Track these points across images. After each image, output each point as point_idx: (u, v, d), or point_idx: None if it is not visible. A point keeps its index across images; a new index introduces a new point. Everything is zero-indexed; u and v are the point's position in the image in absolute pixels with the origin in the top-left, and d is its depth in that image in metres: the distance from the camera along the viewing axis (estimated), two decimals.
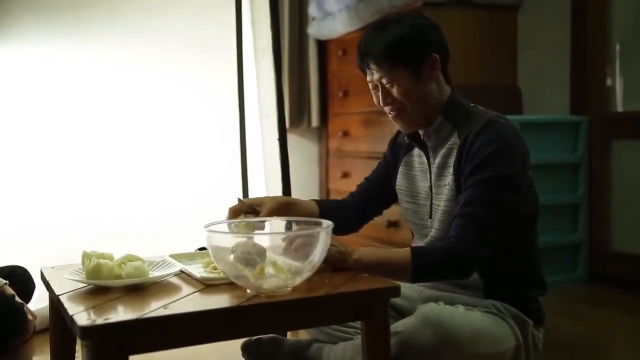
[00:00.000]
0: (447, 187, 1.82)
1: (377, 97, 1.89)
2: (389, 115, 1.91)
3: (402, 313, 1.87)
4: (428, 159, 1.91)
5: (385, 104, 1.88)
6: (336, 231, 2.06)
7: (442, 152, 1.85)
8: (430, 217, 1.89)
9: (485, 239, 1.70)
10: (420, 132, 1.91)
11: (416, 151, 1.97)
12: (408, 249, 1.73)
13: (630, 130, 3.25)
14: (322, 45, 4.39)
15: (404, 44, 1.81)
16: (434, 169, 1.88)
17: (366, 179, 2.13)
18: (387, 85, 1.85)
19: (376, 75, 1.85)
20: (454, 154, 1.80)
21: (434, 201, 1.88)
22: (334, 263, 1.70)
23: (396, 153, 2.06)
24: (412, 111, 1.85)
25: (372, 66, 1.85)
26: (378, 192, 2.07)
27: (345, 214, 2.07)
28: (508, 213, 1.73)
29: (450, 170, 1.81)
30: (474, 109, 1.87)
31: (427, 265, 1.69)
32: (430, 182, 1.90)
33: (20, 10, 3.43)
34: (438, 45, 1.86)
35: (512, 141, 1.76)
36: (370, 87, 1.91)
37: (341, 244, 1.75)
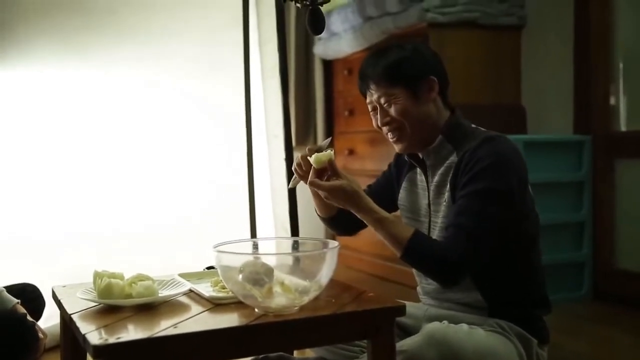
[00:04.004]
0: (444, 204, 1.85)
1: (376, 119, 1.94)
2: (389, 139, 1.95)
3: (407, 331, 1.89)
4: (427, 177, 1.95)
5: (384, 124, 1.92)
6: (337, 231, 2.08)
7: (441, 170, 1.89)
8: (429, 234, 1.92)
9: (476, 251, 1.73)
10: (420, 152, 1.95)
11: (418, 169, 2.00)
12: (413, 228, 1.79)
13: (634, 150, 3.27)
14: (328, 65, 4.44)
15: (403, 65, 1.87)
16: (432, 187, 1.92)
17: (369, 186, 2.16)
18: (385, 105, 1.90)
19: (375, 96, 1.91)
20: (452, 172, 1.84)
21: (432, 218, 1.92)
22: (339, 197, 1.76)
23: (400, 168, 2.09)
24: (410, 131, 1.89)
25: (372, 87, 1.91)
26: (378, 201, 2.10)
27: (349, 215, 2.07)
28: (498, 227, 1.75)
29: (448, 187, 1.85)
30: (475, 129, 1.91)
31: (418, 254, 1.73)
32: (429, 199, 1.93)
33: (29, 32, 3.48)
34: (437, 70, 1.92)
35: (508, 157, 1.80)
36: (370, 109, 1.96)
37: (355, 183, 1.79)
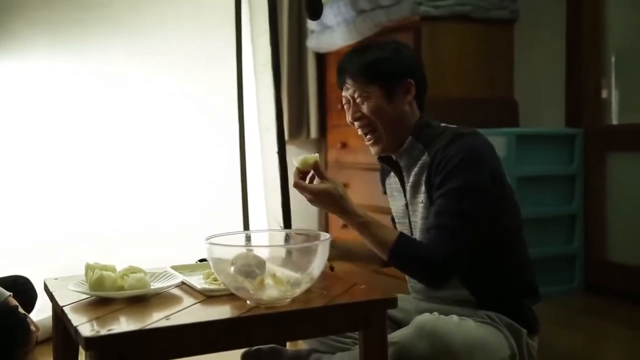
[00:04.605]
0: (422, 204, 1.87)
1: (349, 113, 1.95)
2: (366, 142, 1.96)
3: (399, 324, 1.90)
4: (402, 178, 1.97)
5: (355, 119, 1.93)
6: None
7: (415, 170, 1.90)
8: (412, 234, 1.93)
9: (460, 249, 1.74)
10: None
11: (392, 172, 2.02)
12: (397, 231, 1.80)
13: (626, 143, 3.28)
14: (321, 58, 4.43)
15: (381, 64, 1.89)
16: (408, 188, 1.93)
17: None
18: (359, 100, 1.91)
19: (350, 90, 1.92)
20: (425, 172, 1.85)
21: (411, 219, 1.94)
22: (324, 201, 1.77)
23: (384, 177, 2.12)
24: (383, 132, 1.90)
25: (348, 81, 1.92)
26: None
27: None
28: (476, 222, 1.76)
29: (423, 187, 1.86)
30: (445, 127, 1.91)
31: (403, 257, 1.74)
32: (406, 200, 1.95)
33: (26, 26, 3.47)
34: (415, 73, 1.93)
35: (479, 152, 1.81)
36: (344, 102, 1.97)
37: (341, 187, 1.80)
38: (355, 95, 1.91)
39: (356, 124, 1.94)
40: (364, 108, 1.90)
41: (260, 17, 3.98)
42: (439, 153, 1.81)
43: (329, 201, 1.79)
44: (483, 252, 1.81)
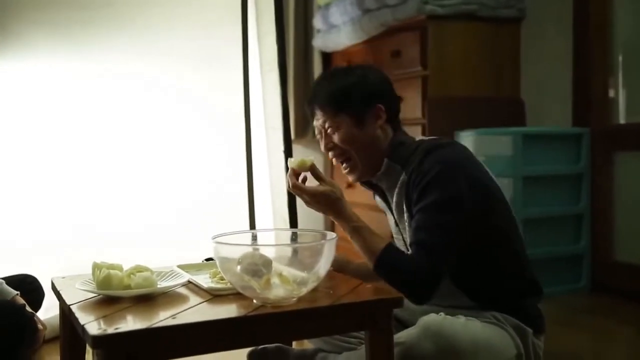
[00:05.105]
0: (407, 222, 1.87)
1: (322, 143, 1.95)
2: (342, 170, 1.96)
3: (404, 324, 1.90)
4: (386, 199, 1.98)
5: (327, 149, 1.94)
6: None
7: (396, 191, 1.90)
8: (407, 250, 1.93)
9: (439, 263, 1.73)
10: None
11: (377, 194, 2.03)
12: (387, 241, 1.79)
13: (633, 142, 3.27)
14: (327, 57, 4.44)
15: (347, 92, 1.88)
16: (394, 207, 1.94)
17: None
18: (329, 131, 1.90)
19: (320, 120, 1.92)
20: (404, 191, 1.85)
21: (403, 235, 1.95)
22: (321, 203, 1.78)
23: (374, 194, 2.11)
24: (358, 159, 1.91)
25: (317, 112, 1.92)
26: None
27: None
28: (456, 234, 1.75)
29: (405, 207, 1.86)
30: (419, 143, 1.91)
31: (386, 267, 1.73)
32: (395, 219, 1.96)
33: (27, 27, 3.47)
34: (385, 96, 1.92)
35: (453, 162, 1.80)
36: (316, 133, 1.96)
37: (338, 190, 1.80)
38: (326, 126, 1.91)
39: (330, 153, 1.95)
40: (335, 138, 1.90)
41: (266, 17, 3.98)
42: (415, 170, 1.81)
43: (326, 203, 1.79)
44: (476, 256, 1.81)
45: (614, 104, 3.44)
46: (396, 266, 1.74)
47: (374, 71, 1.97)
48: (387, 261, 1.74)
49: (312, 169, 1.81)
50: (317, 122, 1.93)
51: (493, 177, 1.90)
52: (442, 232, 1.74)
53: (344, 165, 1.94)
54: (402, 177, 1.87)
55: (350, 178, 1.97)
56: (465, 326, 1.72)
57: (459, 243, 1.76)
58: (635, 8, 3.40)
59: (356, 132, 1.88)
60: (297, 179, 1.83)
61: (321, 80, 1.97)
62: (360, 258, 1.89)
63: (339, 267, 1.92)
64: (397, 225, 1.97)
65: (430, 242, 1.73)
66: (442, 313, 1.75)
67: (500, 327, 1.79)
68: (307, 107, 1.97)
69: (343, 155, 1.92)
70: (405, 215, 1.86)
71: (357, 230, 1.80)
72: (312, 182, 1.84)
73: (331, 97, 1.88)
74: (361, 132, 1.88)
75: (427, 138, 1.93)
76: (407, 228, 1.87)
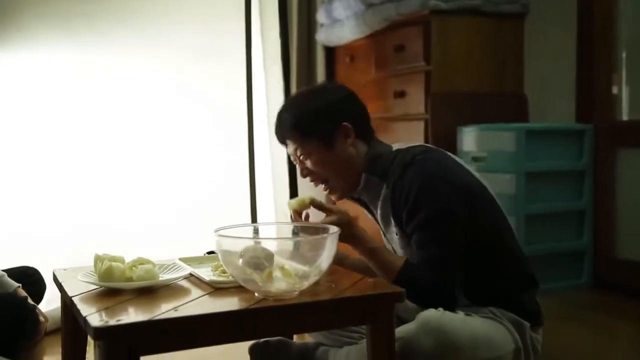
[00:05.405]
0: (397, 235, 1.88)
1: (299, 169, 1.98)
2: (323, 191, 1.98)
3: (402, 320, 1.90)
4: (370, 211, 1.99)
5: (304, 176, 1.96)
6: None
7: (379, 204, 1.91)
8: None
9: (451, 272, 1.76)
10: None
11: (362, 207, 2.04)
12: (402, 258, 1.81)
13: (636, 139, 3.26)
14: (330, 52, 4.42)
15: (311, 117, 1.88)
16: (379, 219, 1.95)
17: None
18: (302, 158, 1.92)
19: (291, 148, 1.93)
20: (390, 205, 1.86)
21: (392, 245, 1.96)
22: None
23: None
24: (335, 180, 1.93)
25: (287, 141, 1.94)
26: None
27: None
28: (455, 241, 1.77)
29: (392, 221, 1.87)
30: (397, 152, 1.91)
31: (405, 285, 1.67)
32: (382, 229, 1.98)
33: (30, 19, 3.47)
34: (349, 112, 1.92)
35: (433, 174, 1.80)
36: (292, 159, 1.98)
37: (346, 214, 1.81)
38: (298, 153, 1.93)
39: (308, 178, 1.97)
40: (308, 164, 1.92)
41: (270, 11, 3.97)
42: (397, 187, 1.82)
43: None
44: (470, 258, 1.81)
45: (618, 101, 3.43)
46: (412, 285, 1.72)
47: (334, 89, 1.98)
48: (404, 280, 1.74)
49: (313, 204, 1.82)
50: (289, 150, 1.95)
51: (476, 174, 1.91)
52: (443, 243, 1.76)
53: (324, 187, 1.96)
54: (384, 190, 1.88)
55: (333, 198, 2.00)
56: (464, 322, 1.73)
57: (464, 249, 1.78)
58: None
59: (327, 155, 1.89)
60: (301, 218, 1.85)
61: (283, 109, 1.96)
62: (356, 254, 1.90)
63: (337, 260, 1.92)
64: (384, 235, 1.99)
65: (436, 256, 1.75)
66: (440, 309, 1.75)
67: (498, 322, 1.80)
68: (277, 137, 1.98)
69: (319, 179, 1.95)
70: (394, 229, 1.88)
71: (372, 251, 1.82)
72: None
73: (296, 125, 1.89)
74: (332, 154, 1.89)
75: (403, 147, 1.93)
76: (395, 240, 1.90)
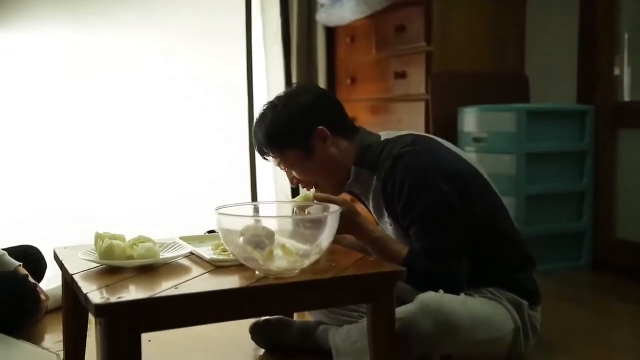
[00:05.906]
0: (391, 227, 1.89)
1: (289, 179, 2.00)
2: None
3: (402, 300, 1.90)
4: (363, 202, 2.00)
5: (294, 184, 1.99)
6: None
7: (371, 196, 1.92)
8: None
9: (449, 264, 1.77)
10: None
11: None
12: (406, 249, 1.81)
13: (637, 120, 3.25)
14: (331, 32, 4.40)
15: (283, 129, 1.88)
16: (372, 210, 1.96)
17: None
18: (286, 169, 1.95)
19: (275, 161, 1.95)
20: (381, 198, 1.86)
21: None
22: (340, 227, 1.77)
23: None
24: (324, 182, 1.94)
25: (269, 155, 1.94)
26: None
27: None
28: (454, 229, 1.78)
29: (386, 212, 1.88)
30: (386, 143, 1.91)
31: (410, 275, 1.66)
32: (376, 220, 1.99)
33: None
34: (322, 114, 1.91)
35: (424, 166, 1.80)
36: (281, 169, 1.99)
37: (348, 204, 1.81)
38: (282, 166, 1.95)
39: (300, 185, 1.99)
40: (295, 173, 1.94)
41: None
42: (389, 179, 1.82)
43: (343, 224, 1.75)
44: (468, 246, 1.82)
45: (619, 82, 3.42)
46: (418, 276, 1.73)
47: (303, 93, 1.96)
48: (409, 270, 1.71)
49: (317, 198, 1.82)
50: (274, 163, 1.96)
51: (466, 157, 1.91)
52: (443, 233, 1.77)
53: (315, 190, 1.97)
54: (375, 182, 1.88)
55: None
56: (464, 303, 1.73)
57: (462, 238, 1.79)
58: None
59: (310, 162, 1.90)
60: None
61: (257, 128, 1.95)
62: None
63: (335, 240, 1.93)
64: (378, 225, 2.00)
65: (438, 246, 1.76)
66: (441, 290, 1.75)
67: (497, 302, 1.81)
68: (260, 155, 1.98)
69: (310, 184, 1.96)
70: (387, 219, 1.89)
71: (376, 241, 1.83)
72: None
73: (271, 141, 1.90)
74: (315, 160, 1.90)
75: (392, 137, 1.93)
76: (390, 230, 1.91)
